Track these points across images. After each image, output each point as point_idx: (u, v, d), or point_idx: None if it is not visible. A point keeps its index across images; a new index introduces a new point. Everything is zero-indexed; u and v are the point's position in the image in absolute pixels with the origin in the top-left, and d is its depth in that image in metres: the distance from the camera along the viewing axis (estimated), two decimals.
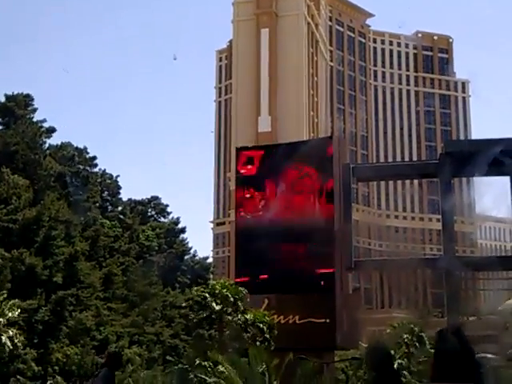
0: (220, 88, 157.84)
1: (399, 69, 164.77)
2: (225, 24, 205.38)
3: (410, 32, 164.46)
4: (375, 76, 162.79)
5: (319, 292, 41.93)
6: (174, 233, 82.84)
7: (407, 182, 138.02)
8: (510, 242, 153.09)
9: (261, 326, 35.87)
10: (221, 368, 30.22)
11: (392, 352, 42.04)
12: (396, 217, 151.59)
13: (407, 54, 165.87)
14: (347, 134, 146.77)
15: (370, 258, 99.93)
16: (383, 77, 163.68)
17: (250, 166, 48.02)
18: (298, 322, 40.71)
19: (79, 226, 58.79)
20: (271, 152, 49.09)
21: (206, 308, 36.43)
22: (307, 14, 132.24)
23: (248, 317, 36.01)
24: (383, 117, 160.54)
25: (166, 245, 77.88)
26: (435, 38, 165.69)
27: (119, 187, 78.88)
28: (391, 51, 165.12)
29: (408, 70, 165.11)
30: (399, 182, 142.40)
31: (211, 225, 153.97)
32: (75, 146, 71.26)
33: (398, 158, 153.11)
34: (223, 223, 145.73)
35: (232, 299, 36.54)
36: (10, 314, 39.42)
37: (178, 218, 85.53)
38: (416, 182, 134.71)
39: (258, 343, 34.25)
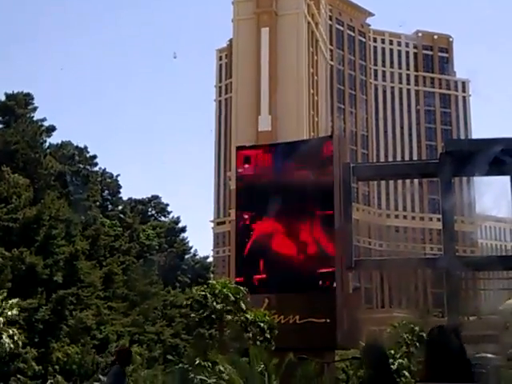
0: (220, 87, 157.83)
1: (399, 68, 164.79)
2: (225, 23, 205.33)
3: (410, 31, 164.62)
4: (375, 75, 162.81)
5: (319, 292, 41.93)
6: (174, 232, 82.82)
7: (407, 181, 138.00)
8: (511, 242, 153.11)
9: (261, 325, 35.86)
10: (220, 367, 30.25)
11: (392, 351, 42.09)
12: (396, 216, 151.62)
13: (407, 53, 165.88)
14: (347, 133, 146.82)
15: (370, 258, 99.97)
16: (383, 76, 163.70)
17: (247, 166, 48.07)
18: (298, 321, 40.74)
19: (79, 225, 58.73)
20: (268, 151, 49.03)
21: (207, 307, 36.41)
22: (307, 13, 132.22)
23: (248, 316, 36.00)
24: (383, 116, 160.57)
25: (166, 244, 77.86)
26: (435, 37, 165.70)
27: (119, 186, 78.86)
28: (391, 50, 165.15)
29: (408, 69, 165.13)
30: (399, 182, 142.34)
31: (211, 224, 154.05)
32: (75, 145, 71.24)
33: (399, 158, 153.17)
34: (223, 222, 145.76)
35: (233, 298, 36.51)
36: (10, 313, 39.40)
37: (178, 218, 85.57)
38: (416, 181, 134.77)
39: (258, 343, 34.25)
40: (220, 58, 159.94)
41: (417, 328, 56.01)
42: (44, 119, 64.68)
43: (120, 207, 77.29)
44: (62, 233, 53.44)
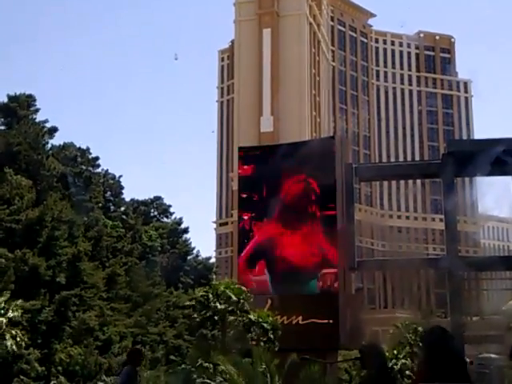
0: (222, 88, 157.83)
1: (401, 69, 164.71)
2: (227, 24, 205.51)
3: (412, 32, 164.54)
4: (377, 76, 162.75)
5: (322, 292, 41.92)
6: (176, 233, 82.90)
7: (410, 181, 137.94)
8: None
9: (265, 326, 35.86)
10: (223, 368, 30.22)
11: (395, 352, 42.06)
12: (399, 217, 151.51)
13: (409, 53, 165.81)
14: (349, 133, 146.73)
15: (372, 258, 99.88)
16: (385, 77, 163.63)
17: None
18: (301, 322, 40.71)
19: (82, 227, 58.80)
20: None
21: (209, 308, 36.42)
22: (309, 14, 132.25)
23: (251, 317, 36.00)
24: (385, 116, 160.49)
25: (168, 245, 77.93)
26: (437, 37, 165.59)
27: (122, 187, 78.98)
28: (393, 51, 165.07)
29: (410, 69, 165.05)
30: (402, 182, 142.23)
31: (214, 225, 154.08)
32: (78, 146, 71.35)
33: (401, 158, 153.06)
34: (226, 223, 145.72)
35: (235, 299, 36.52)
36: (13, 315, 39.43)
37: (180, 219, 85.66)
38: (419, 181, 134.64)
39: (262, 343, 34.24)
40: (222, 59, 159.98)
41: (420, 328, 55.97)
42: (46, 121, 64.82)
43: (122, 208, 77.37)
44: (64, 234, 53.50)
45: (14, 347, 39.39)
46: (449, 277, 40.47)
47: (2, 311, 38.86)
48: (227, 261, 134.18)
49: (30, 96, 64.28)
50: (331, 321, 40.23)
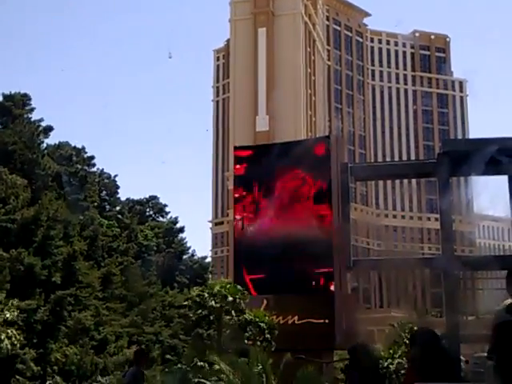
0: (217, 87, 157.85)
1: (397, 68, 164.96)
2: (222, 23, 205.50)
3: (408, 31, 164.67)
4: (373, 75, 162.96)
5: (318, 292, 41.94)
6: (172, 232, 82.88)
7: (405, 181, 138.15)
8: (509, 241, 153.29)
9: (262, 325, 35.82)
10: (217, 367, 30.21)
11: (391, 351, 42.08)
12: (394, 216, 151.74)
13: (404, 53, 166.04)
14: (345, 133, 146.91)
15: (368, 258, 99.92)
16: (381, 76, 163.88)
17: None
18: (297, 322, 40.69)
19: (77, 226, 58.75)
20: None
21: (205, 307, 36.40)
22: (304, 14, 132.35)
23: (247, 317, 35.99)
24: (381, 116, 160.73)
25: (164, 244, 77.91)
26: (432, 37, 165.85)
27: (117, 187, 78.94)
28: (388, 50, 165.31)
29: (405, 69, 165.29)
30: (397, 182, 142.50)
31: (210, 224, 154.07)
32: (73, 145, 71.30)
33: (396, 158, 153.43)
34: (222, 223, 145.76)
35: (231, 298, 36.49)
36: (8, 314, 39.41)
37: (176, 218, 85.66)
38: (414, 181, 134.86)
39: (258, 343, 34.20)
40: (217, 59, 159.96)
41: (416, 328, 56.05)
42: (41, 120, 64.66)
43: (118, 208, 77.33)
44: (59, 233, 53.44)
45: (9, 347, 39.38)
46: (444, 276, 40.56)
47: None
48: (223, 260, 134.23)
49: (25, 95, 64.17)
50: (327, 320, 40.18)
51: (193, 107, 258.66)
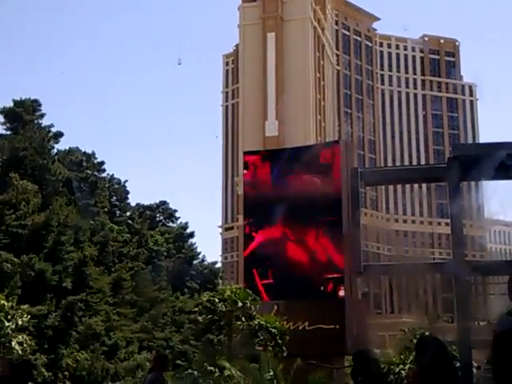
0: (227, 92, 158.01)
1: (406, 72, 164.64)
2: (231, 28, 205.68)
3: (417, 35, 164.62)
4: (382, 80, 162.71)
5: (328, 298, 41.83)
6: (182, 238, 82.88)
7: (415, 185, 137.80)
8: None
9: (273, 331, 35.78)
10: (229, 373, 30.19)
11: (402, 357, 41.88)
12: (404, 221, 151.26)
13: (414, 57, 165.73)
14: (355, 137, 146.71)
15: (378, 263, 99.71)
16: (390, 80, 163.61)
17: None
18: (307, 328, 40.62)
19: (88, 232, 58.86)
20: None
21: (215, 312, 36.38)
22: (313, 18, 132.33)
23: (257, 322, 35.95)
24: (390, 121, 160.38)
25: (174, 250, 77.93)
26: (442, 41, 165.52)
27: (127, 192, 79.06)
28: (398, 55, 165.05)
29: (415, 73, 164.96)
30: (407, 186, 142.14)
31: (220, 229, 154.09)
32: (83, 151, 71.45)
33: (406, 162, 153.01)
34: (232, 228, 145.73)
35: (241, 304, 36.47)
36: (20, 320, 39.47)
37: (186, 223, 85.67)
38: (424, 186, 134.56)
39: (270, 348, 34.18)
40: (227, 64, 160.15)
41: (427, 333, 55.83)
42: (51, 125, 64.89)
43: (128, 213, 77.45)
44: (70, 239, 53.57)
45: (20, 352, 39.42)
46: (455, 281, 40.33)
47: (9, 316, 38.89)
48: (233, 265, 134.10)
49: (36, 101, 64.39)
50: (337, 326, 40.11)
51: (202, 112, 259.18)
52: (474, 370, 28.36)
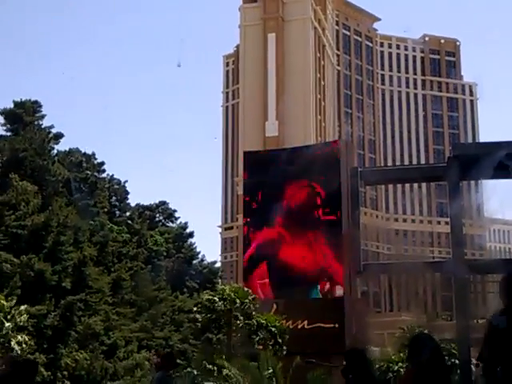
0: (227, 93, 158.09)
1: (406, 72, 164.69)
2: (232, 29, 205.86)
3: (417, 36, 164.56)
4: (382, 80, 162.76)
5: (328, 297, 41.88)
6: (182, 237, 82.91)
7: (415, 185, 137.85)
8: None
9: (273, 330, 35.85)
10: (228, 372, 30.23)
11: (401, 355, 41.94)
12: (404, 220, 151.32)
13: (414, 57, 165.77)
14: (355, 137, 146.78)
15: (378, 262, 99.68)
16: (390, 80, 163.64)
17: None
18: (306, 326, 40.67)
19: (87, 232, 58.88)
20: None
21: (214, 311, 36.41)
22: (314, 19, 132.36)
23: (255, 321, 35.99)
24: (391, 120, 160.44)
25: (174, 249, 77.95)
26: (442, 41, 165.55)
27: (127, 192, 79.04)
28: (398, 55, 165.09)
29: (415, 73, 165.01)
30: (407, 186, 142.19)
31: (219, 229, 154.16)
32: (83, 151, 71.48)
33: (406, 162, 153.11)
34: (231, 228, 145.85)
35: (239, 302, 36.50)
36: (19, 320, 39.49)
37: (186, 223, 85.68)
38: (424, 185, 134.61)
39: (270, 347, 34.25)
40: (227, 64, 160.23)
41: (426, 331, 55.80)
42: (52, 126, 64.81)
43: (128, 213, 77.46)
44: (70, 239, 53.60)
45: (19, 352, 39.42)
46: (454, 280, 40.35)
47: (9, 316, 38.94)
48: (232, 265, 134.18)
49: (36, 102, 64.36)
50: (337, 325, 40.19)
51: (202, 112, 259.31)
52: (473, 368, 28.41)
